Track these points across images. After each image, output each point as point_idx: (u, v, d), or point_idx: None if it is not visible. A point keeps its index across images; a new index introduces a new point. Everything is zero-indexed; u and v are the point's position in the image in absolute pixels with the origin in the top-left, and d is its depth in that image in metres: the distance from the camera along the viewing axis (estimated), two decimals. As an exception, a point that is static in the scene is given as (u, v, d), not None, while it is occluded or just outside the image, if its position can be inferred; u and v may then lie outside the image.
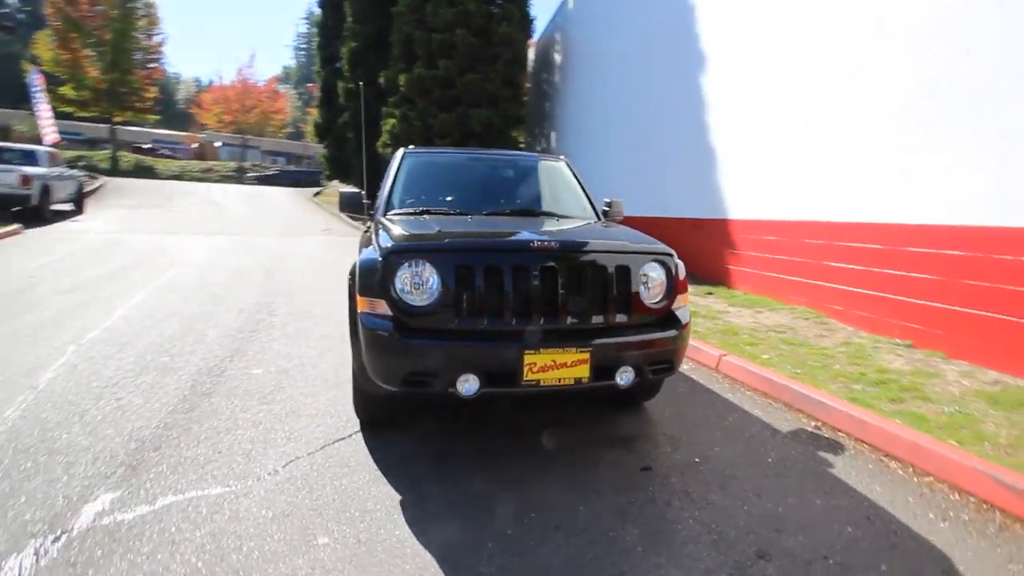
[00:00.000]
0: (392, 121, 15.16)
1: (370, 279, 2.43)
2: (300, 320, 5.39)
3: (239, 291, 6.70)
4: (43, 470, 2.41)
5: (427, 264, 2.38)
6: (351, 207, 4.17)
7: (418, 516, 2.15)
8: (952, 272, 4.24)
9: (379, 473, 2.48)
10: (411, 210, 3.43)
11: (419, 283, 2.37)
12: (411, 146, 4.45)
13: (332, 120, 21.30)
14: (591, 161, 11.08)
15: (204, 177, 32.12)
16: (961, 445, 2.73)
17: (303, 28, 71.12)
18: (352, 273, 2.96)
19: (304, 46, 70.56)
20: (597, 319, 2.47)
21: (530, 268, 2.40)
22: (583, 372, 2.35)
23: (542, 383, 2.31)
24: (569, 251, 2.49)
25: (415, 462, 2.61)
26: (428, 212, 3.37)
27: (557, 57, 16.29)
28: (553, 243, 2.49)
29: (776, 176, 6.35)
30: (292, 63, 70.10)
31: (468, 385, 2.29)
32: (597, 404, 3.37)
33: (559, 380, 2.32)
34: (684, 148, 8.22)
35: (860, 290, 5.11)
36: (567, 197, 3.84)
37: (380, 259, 2.41)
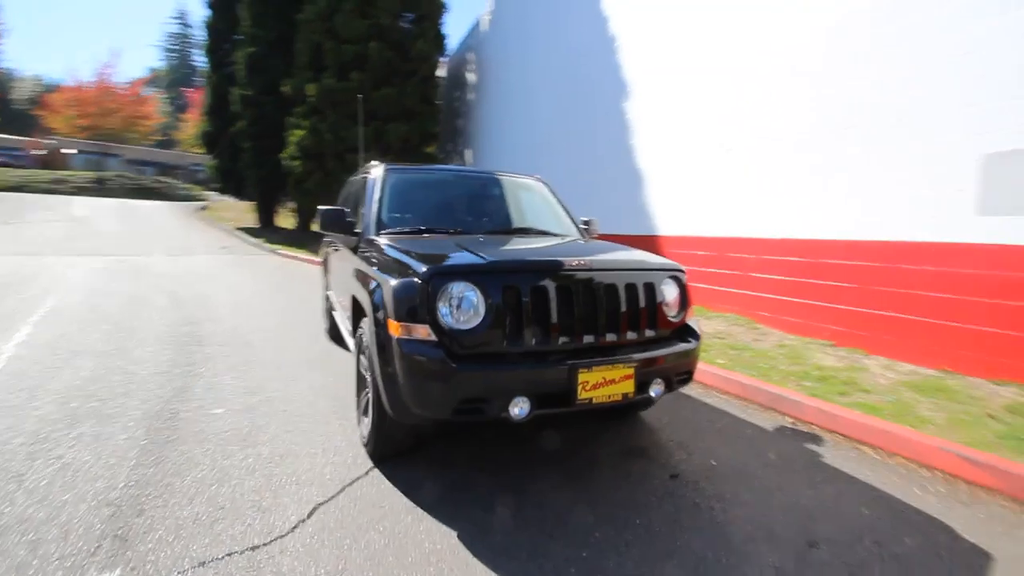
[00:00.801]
0: (300, 133, 14.31)
1: (408, 303, 2.29)
2: (240, 350, 4.86)
3: (147, 320, 5.90)
4: (5, 557, 1.93)
5: (471, 286, 2.30)
6: (334, 225, 3.81)
7: (486, 551, 2.05)
8: (865, 280, 4.94)
9: (420, 510, 2.32)
10: (406, 229, 3.28)
11: (464, 306, 2.28)
12: (375, 162, 4.29)
13: (222, 129, 19.59)
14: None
15: (55, 188, 27.78)
16: (914, 428, 3.19)
17: (174, 28, 64.69)
18: (355, 298, 2.76)
19: (176, 47, 64.20)
20: (631, 335, 2.55)
21: (571, 287, 2.41)
22: (629, 387, 2.40)
23: (594, 401, 2.32)
24: (605, 270, 2.54)
25: (450, 493, 2.48)
26: (426, 231, 3.25)
27: (471, 76, 16.49)
28: (592, 262, 2.53)
29: (702, 195, 6.97)
30: (162, 65, 63.28)
31: (521, 408, 2.24)
32: (596, 418, 3.44)
33: (608, 397, 2.36)
34: (613, 170, 8.73)
35: (785, 298, 5.76)
36: (552, 215, 3.91)
37: (420, 282, 2.28)
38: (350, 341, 3.46)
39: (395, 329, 2.31)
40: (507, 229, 3.50)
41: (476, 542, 2.10)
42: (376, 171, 3.73)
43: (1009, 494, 2.52)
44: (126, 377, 3.98)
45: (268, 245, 15.86)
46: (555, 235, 3.57)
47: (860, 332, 4.97)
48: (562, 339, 2.37)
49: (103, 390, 3.68)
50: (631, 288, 2.56)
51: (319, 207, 3.44)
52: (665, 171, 7.72)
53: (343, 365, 4.47)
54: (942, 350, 4.31)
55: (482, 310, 2.29)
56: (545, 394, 2.28)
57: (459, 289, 2.29)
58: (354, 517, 2.26)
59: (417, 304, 2.28)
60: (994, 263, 4.05)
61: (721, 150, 6.65)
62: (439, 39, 15.54)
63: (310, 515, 2.26)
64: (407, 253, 2.58)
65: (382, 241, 2.98)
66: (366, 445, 2.75)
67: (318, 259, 12.50)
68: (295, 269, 11.80)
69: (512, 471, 2.71)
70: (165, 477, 2.53)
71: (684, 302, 2.82)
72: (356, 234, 3.38)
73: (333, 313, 4.96)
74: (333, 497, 2.40)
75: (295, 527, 2.17)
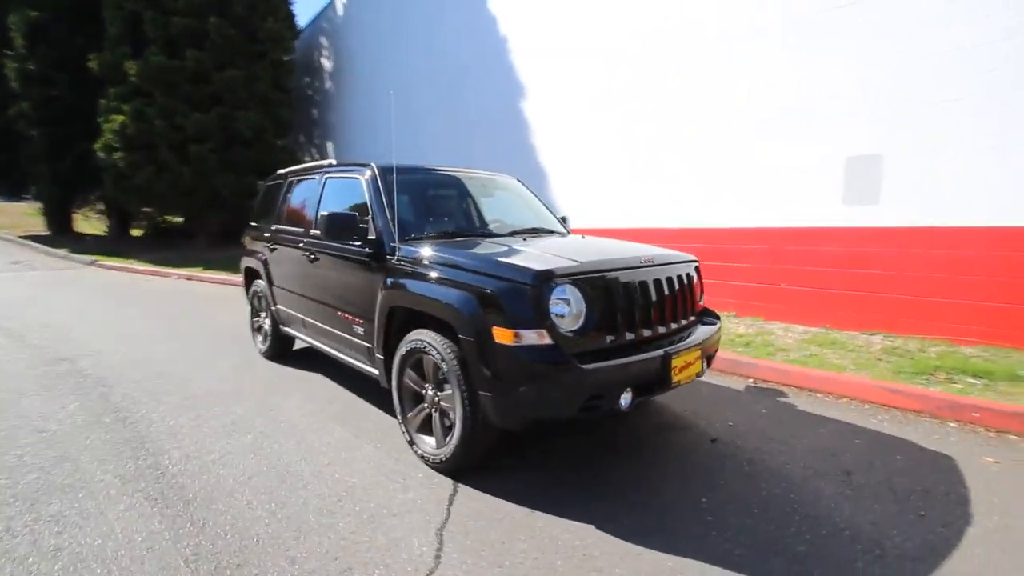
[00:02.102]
0: (120, 118, 11.90)
1: (522, 309, 2.27)
2: (164, 383, 4.09)
3: None
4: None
5: (574, 288, 2.37)
6: (345, 233, 3.24)
7: (630, 535, 2.16)
8: (756, 260, 6.01)
9: (540, 512, 2.32)
10: (433, 233, 3.14)
11: (571, 308, 2.34)
12: (330, 160, 3.95)
13: (-11, 110, 15.29)
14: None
15: None
16: (839, 372, 4.08)
17: None
18: (392, 310, 2.64)
19: None
20: (684, 320, 2.86)
21: (647, 282, 2.62)
22: (699, 367, 2.71)
23: (681, 383, 2.58)
24: (666, 264, 2.79)
25: (548, 491, 2.50)
26: (456, 235, 3.14)
27: (325, 63, 15.36)
28: (654, 258, 2.76)
29: (609, 190, 7.65)
30: None
31: (626, 398, 2.40)
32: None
33: (688, 377, 2.63)
34: (516, 170, 9.03)
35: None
36: (543, 213, 4.03)
37: (532, 287, 2.28)
38: (368, 360, 3.20)
39: (506, 337, 2.26)
40: (525, 229, 3.53)
41: (617, 528, 2.21)
42: (365, 172, 3.43)
43: (929, 412, 3.42)
44: (44, 436, 3.11)
45: (80, 256, 12.92)
46: (562, 234, 3.71)
47: (755, 303, 6.04)
48: (646, 331, 2.57)
49: (31, 457, 2.84)
50: (680, 279, 2.86)
51: (325, 212, 3.08)
52: (569, 169, 8.25)
53: (317, 386, 4.05)
54: (821, 312, 5.48)
55: (585, 310, 2.37)
56: (646, 382, 2.46)
57: (566, 292, 2.34)
58: (486, 533, 2.19)
59: (531, 310, 2.27)
60: (851, 241, 5.28)
61: (623, 147, 7.37)
62: (290, 19, 14.17)
63: (441, 542, 2.13)
64: (487, 260, 2.52)
65: (426, 249, 2.82)
66: (441, 462, 2.62)
67: (190, 272, 10.66)
68: (136, 285, 9.93)
69: (580, 463, 2.83)
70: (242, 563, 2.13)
71: (702, 289, 3.22)
72: (371, 242, 3.11)
73: (285, 329, 4.43)
74: (447, 520, 2.28)
75: (437, 557, 2.03)
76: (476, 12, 9.72)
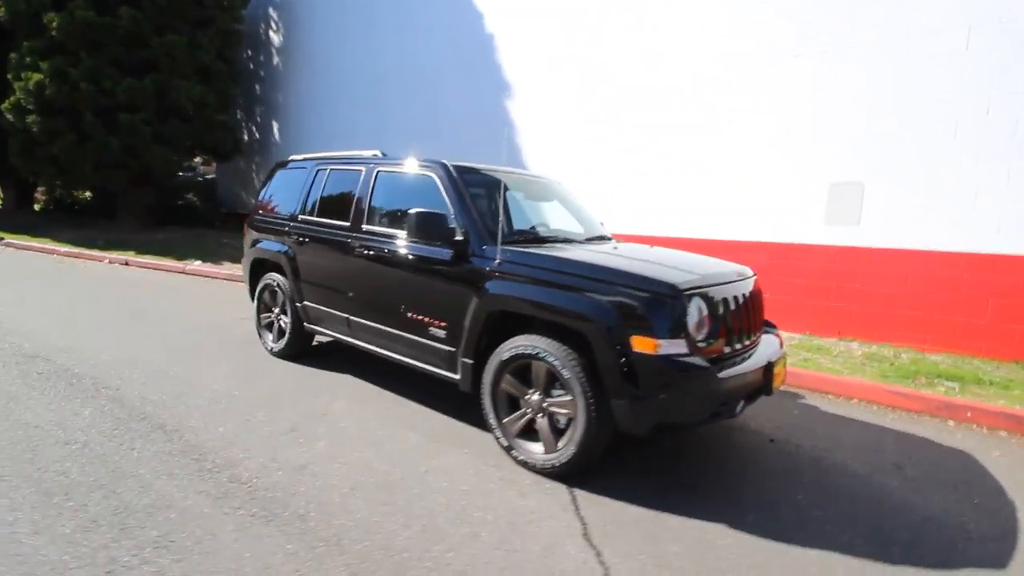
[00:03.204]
0: (37, 76, 10.40)
1: (665, 319, 2.36)
2: (176, 384, 3.73)
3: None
4: None
5: (701, 300, 2.49)
6: (434, 232, 3.05)
7: (763, 529, 2.32)
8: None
9: (671, 515, 2.42)
10: (520, 237, 3.14)
11: (702, 318, 2.46)
12: (377, 151, 3.84)
13: None
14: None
15: None
16: (840, 376, 4.55)
17: None
18: (500, 313, 2.66)
19: None
20: (761, 330, 3.09)
21: (741, 295, 2.80)
22: (784, 375, 2.93)
23: (777, 388, 2.79)
24: (751, 277, 2.99)
25: (666, 493, 2.60)
26: (542, 239, 3.16)
27: (274, 37, 14.35)
28: (742, 272, 2.95)
29: (598, 196, 7.86)
30: None
31: (741, 404, 2.57)
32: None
33: (779, 384, 2.85)
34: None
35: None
36: (594, 219, 4.11)
37: (672, 298, 2.38)
38: (444, 364, 3.13)
39: (647, 346, 2.34)
40: (594, 236, 3.60)
41: (749, 527, 2.35)
42: (438, 169, 3.33)
43: (929, 412, 3.93)
44: (77, 449, 2.73)
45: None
46: (615, 241, 3.82)
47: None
48: (746, 340, 2.76)
49: (79, 473, 2.50)
50: (757, 291, 3.08)
51: (413, 210, 2.95)
52: (565, 172, 8.37)
53: (354, 386, 3.87)
54: (803, 320, 6.05)
55: (708, 321, 2.51)
56: (755, 389, 2.64)
57: (698, 303, 2.46)
58: (631, 537, 2.24)
59: (671, 320, 2.36)
60: (831, 258, 5.88)
61: (612, 153, 7.62)
62: (239, -15, 13.06)
63: (595, 548, 2.16)
64: (614, 270, 2.58)
65: (533, 254, 2.83)
66: (552, 467, 2.62)
67: (124, 256, 9.56)
68: (67, 270, 8.79)
69: (669, 465, 2.96)
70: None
71: (760, 298, 3.48)
72: (457, 243, 3.02)
73: (312, 327, 4.18)
74: (586, 526, 2.31)
75: (601, 563, 2.07)
76: (454, 5, 9.56)
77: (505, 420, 2.84)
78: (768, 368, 2.68)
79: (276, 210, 4.57)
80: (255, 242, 4.73)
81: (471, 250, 3.00)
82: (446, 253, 3.08)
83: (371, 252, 3.55)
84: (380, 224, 3.63)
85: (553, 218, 3.86)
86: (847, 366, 4.85)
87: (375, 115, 11.39)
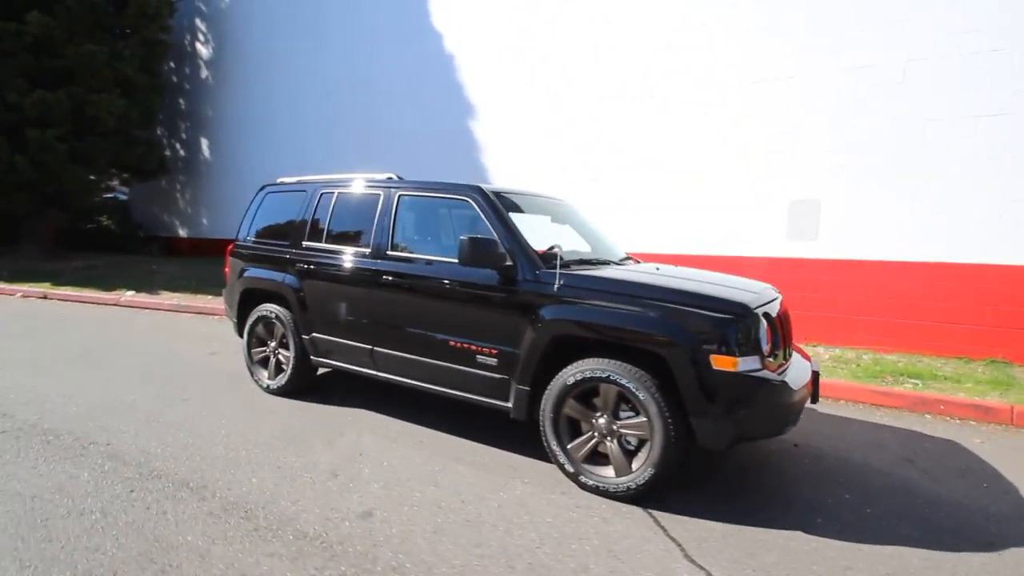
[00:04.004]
0: (-78, 86, 9.05)
1: (745, 337, 2.51)
2: (193, 443, 3.39)
3: None
4: None
5: (761, 318, 2.63)
6: (486, 257, 2.92)
7: (834, 531, 2.47)
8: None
9: (764, 529, 2.51)
10: (575, 259, 3.17)
11: (765, 336, 2.61)
12: (391, 175, 3.77)
13: None
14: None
15: None
16: (835, 379, 4.94)
17: None
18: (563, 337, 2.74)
19: None
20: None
21: (780, 311, 3.00)
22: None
23: (820, 399, 2.99)
24: (779, 295, 3.21)
25: (738, 502, 2.69)
26: (585, 262, 3.20)
27: (202, 49, 13.52)
28: (776, 290, 3.15)
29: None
30: None
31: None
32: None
33: (815, 394, 3.05)
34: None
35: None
36: (609, 239, 4.21)
37: (748, 318, 2.52)
38: (491, 392, 3.07)
39: (728, 364, 2.43)
40: (623, 257, 3.70)
41: (820, 531, 2.48)
42: (474, 194, 3.28)
43: (907, 407, 4.37)
44: (99, 519, 2.38)
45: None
46: (642, 262, 3.94)
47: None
48: (789, 354, 2.95)
49: (117, 548, 2.17)
50: (785, 307, 3.30)
51: (464, 236, 2.88)
52: (516, 168, 8.44)
53: (373, 420, 3.68)
54: (770, 327, 6.50)
55: (770, 337, 2.66)
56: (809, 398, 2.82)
57: (762, 321, 2.60)
58: (728, 552, 2.30)
59: (747, 338, 2.48)
60: (793, 269, 6.40)
61: (587, 178, 7.85)
62: (165, -6, 12.18)
63: (702, 567, 2.19)
64: (683, 291, 2.68)
65: (592, 277, 2.89)
66: (628, 490, 2.63)
67: (41, 289, 8.52)
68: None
69: (714, 476, 3.08)
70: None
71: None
72: (506, 268, 2.99)
73: (320, 360, 3.93)
74: (681, 546, 2.34)
75: (714, 581, 2.11)
76: (407, 22, 9.52)
77: (570, 446, 2.82)
78: (816, 377, 2.88)
79: (270, 236, 4.28)
80: (242, 271, 4.38)
81: (520, 275, 2.98)
82: (492, 278, 3.04)
83: (399, 280, 3.41)
84: (408, 251, 3.51)
85: (578, 240, 3.91)
86: (821, 369, 5.28)
87: (323, 129, 11.00)
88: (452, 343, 3.19)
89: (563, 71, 7.93)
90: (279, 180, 4.56)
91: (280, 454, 3.12)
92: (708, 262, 6.70)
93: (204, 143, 13.80)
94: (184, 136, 14.27)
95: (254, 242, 4.39)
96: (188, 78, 13.96)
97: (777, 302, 3.02)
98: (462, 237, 2.92)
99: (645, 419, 2.59)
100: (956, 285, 5.54)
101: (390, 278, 3.46)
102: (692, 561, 2.24)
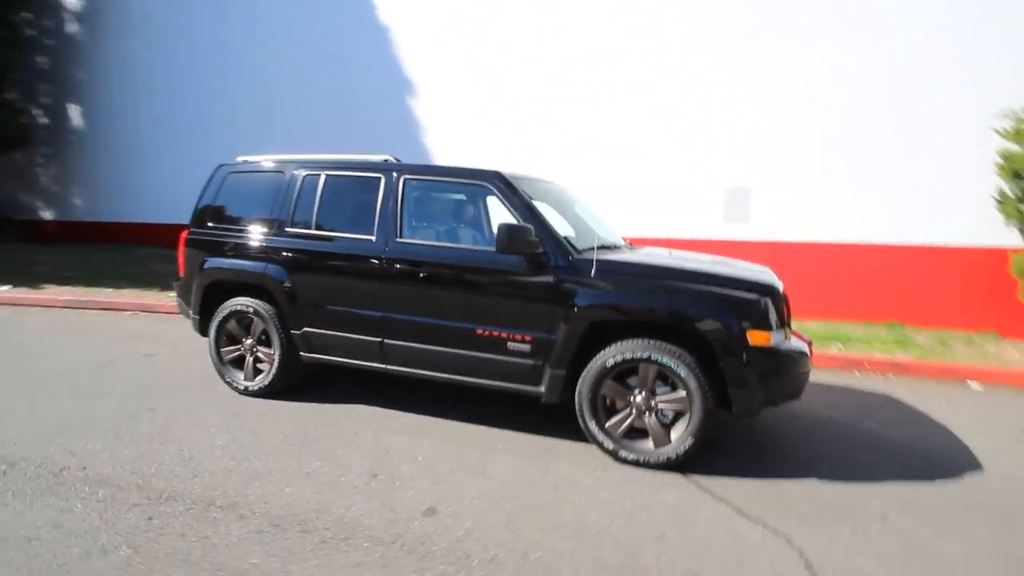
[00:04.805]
0: None
1: (767, 315, 2.77)
2: (189, 459, 3.08)
3: None
4: None
5: (781, 297, 2.93)
6: (521, 244, 2.70)
7: (841, 471, 2.85)
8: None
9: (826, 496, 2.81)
10: (589, 246, 3.23)
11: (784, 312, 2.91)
12: (388, 157, 3.60)
13: None
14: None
15: None
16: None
17: None
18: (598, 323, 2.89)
19: None
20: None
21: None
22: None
23: (809, 369, 3.39)
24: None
25: (756, 463, 2.98)
26: (609, 248, 3.31)
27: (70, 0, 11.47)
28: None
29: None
30: None
31: (798, 385, 3.10)
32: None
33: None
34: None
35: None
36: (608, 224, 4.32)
37: (772, 296, 2.81)
38: (520, 378, 3.10)
39: (762, 339, 2.69)
40: (622, 242, 3.83)
41: (841, 472, 2.86)
42: (494, 180, 3.22)
43: (839, 367, 5.06)
44: (123, 560, 2.07)
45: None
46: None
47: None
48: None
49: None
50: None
51: (502, 223, 2.83)
52: (457, 150, 8.32)
53: (389, 419, 3.55)
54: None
55: (787, 314, 2.97)
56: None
57: (781, 300, 2.89)
58: (772, 507, 2.56)
59: (775, 315, 2.76)
60: (730, 250, 7.02)
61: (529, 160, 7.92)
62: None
63: (766, 524, 2.42)
64: (720, 275, 2.89)
65: (638, 264, 3.01)
66: (668, 460, 2.80)
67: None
68: None
69: (734, 442, 3.38)
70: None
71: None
72: (537, 255, 2.99)
73: (314, 356, 3.66)
74: (738, 508, 2.54)
75: (780, 533, 2.34)
76: None
77: (608, 424, 2.94)
78: (810, 350, 3.26)
79: (240, 223, 3.85)
80: (203, 262, 3.91)
81: (552, 261, 3.01)
82: (521, 265, 3.03)
83: (415, 268, 3.27)
84: (421, 238, 3.36)
85: (595, 223, 3.94)
86: (762, 339, 5.92)
87: (224, 100, 9.95)
88: (480, 331, 3.15)
89: (505, 52, 7.88)
90: (240, 159, 4.10)
91: (300, 460, 2.90)
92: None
93: (76, 110, 11.81)
94: (47, 101, 12.09)
95: (217, 229, 3.92)
96: (51, 33, 11.79)
97: (781, 283, 3.36)
98: (500, 224, 2.88)
99: (684, 394, 2.78)
100: (862, 262, 6.46)
101: (402, 267, 3.30)
102: (747, 516, 2.47)
